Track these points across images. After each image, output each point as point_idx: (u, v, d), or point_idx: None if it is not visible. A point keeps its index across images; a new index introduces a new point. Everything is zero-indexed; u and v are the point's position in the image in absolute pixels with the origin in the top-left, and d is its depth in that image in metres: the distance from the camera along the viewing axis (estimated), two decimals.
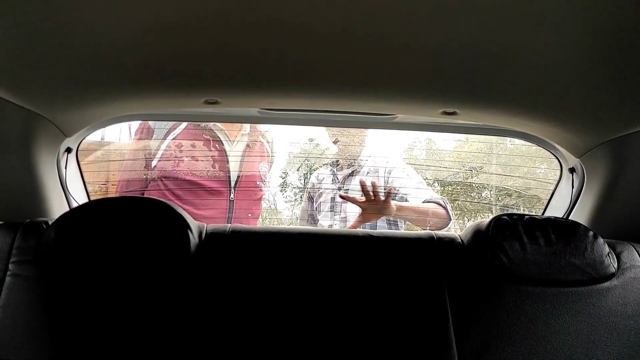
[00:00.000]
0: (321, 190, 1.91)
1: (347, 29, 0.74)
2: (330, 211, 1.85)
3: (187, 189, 1.61)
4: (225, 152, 1.68)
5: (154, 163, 1.63)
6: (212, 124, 1.65)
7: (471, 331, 1.00)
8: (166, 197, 1.58)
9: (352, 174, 1.85)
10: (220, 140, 1.68)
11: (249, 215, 1.71)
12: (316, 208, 1.91)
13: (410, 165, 1.91)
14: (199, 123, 1.65)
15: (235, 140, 1.71)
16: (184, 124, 1.65)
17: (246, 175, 1.70)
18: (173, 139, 1.65)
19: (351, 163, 1.87)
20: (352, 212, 1.77)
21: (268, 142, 1.82)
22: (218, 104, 1.13)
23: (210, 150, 1.67)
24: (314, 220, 1.93)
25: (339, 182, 1.86)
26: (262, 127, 1.79)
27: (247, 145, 1.73)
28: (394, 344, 1.00)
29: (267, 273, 1.05)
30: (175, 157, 1.64)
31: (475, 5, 0.66)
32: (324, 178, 1.93)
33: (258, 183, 1.75)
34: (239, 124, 1.70)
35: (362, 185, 1.59)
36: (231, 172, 1.68)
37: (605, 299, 1.03)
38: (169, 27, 0.75)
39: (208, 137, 1.67)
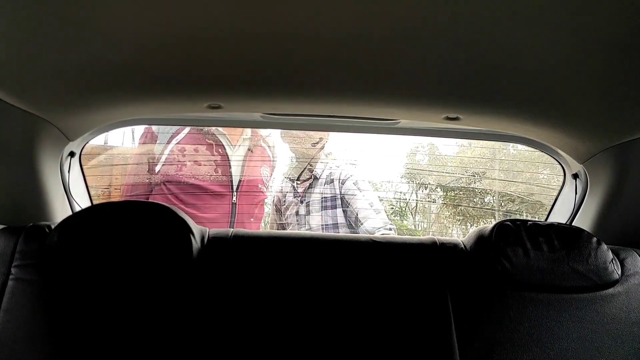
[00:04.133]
0: (287, 204, 1.93)
1: (349, 35, 0.74)
2: (297, 224, 1.87)
3: (190, 192, 1.63)
4: (228, 156, 1.69)
5: (157, 168, 1.65)
6: (214, 128, 1.67)
7: (474, 337, 1.00)
8: (170, 201, 1.60)
9: (310, 186, 1.87)
10: (223, 145, 1.70)
11: (252, 219, 1.72)
12: (285, 219, 1.95)
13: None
14: (201, 128, 1.67)
15: (237, 144, 1.73)
16: (187, 129, 1.67)
17: (248, 179, 1.72)
18: (177, 144, 1.66)
19: (307, 174, 1.89)
20: (316, 224, 1.80)
21: (270, 146, 1.85)
22: (221, 108, 1.13)
23: (213, 155, 1.69)
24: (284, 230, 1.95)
25: (299, 195, 1.88)
26: (264, 132, 1.81)
27: (249, 150, 1.75)
28: (397, 350, 0.99)
29: (270, 277, 1.05)
30: (179, 161, 1.65)
31: (477, 11, 0.66)
32: (287, 191, 1.96)
33: (260, 186, 1.76)
34: (240, 129, 1.71)
35: None
36: (233, 176, 1.70)
37: (608, 306, 1.02)
38: (172, 33, 0.75)
39: (211, 141, 1.69)
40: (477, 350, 0.98)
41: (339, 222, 1.77)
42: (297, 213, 1.88)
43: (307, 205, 1.85)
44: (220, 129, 1.68)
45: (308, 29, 0.73)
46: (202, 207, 1.63)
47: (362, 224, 1.75)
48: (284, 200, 1.96)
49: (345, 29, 0.73)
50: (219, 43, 0.78)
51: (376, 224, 1.74)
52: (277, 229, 1.97)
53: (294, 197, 1.91)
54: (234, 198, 1.69)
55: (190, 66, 0.89)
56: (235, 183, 1.70)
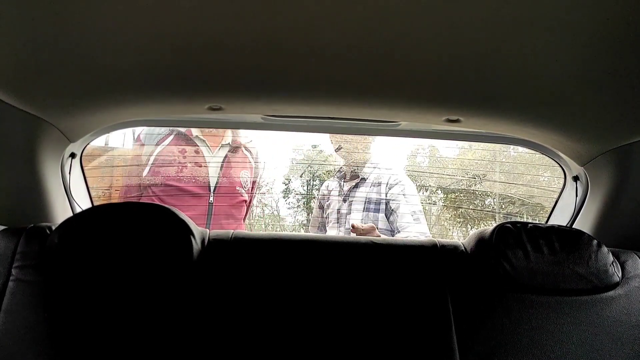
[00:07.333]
0: (330, 201, 1.92)
1: (350, 38, 0.75)
2: (337, 222, 1.86)
3: (172, 194, 1.72)
4: (206, 161, 1.79)
5: (145, 172, 1.75)
6: (195, 135, 1.78)
7: (474, 340, 1.00)
8: (152, 202, 1.68)
9: (356, 186, 1.86)
10: (202, 150, 1.79)
11: (230, 220, 1.80)
12: (326, 217, 1.93)
13: (413, 181, 1.90)
14: (184, 134, 1.77)
15: (216, 149, 1.81)
16: (171, 137, 1.77)
17: (225, 181, 1.81)
18: (162, 149, 1.76)
19: (355, 174, 1.88)
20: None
21: (251, 152, 1.92)
22: (222, 110, 1.13)
23: (193, 159, 1.77)
24: (324, 228, 1.96)
25: (344, 193, 1.87)
26: (244, 139, 1.89)
27: (227, 154, 1.83)
28: (397, 352, 0.99)
29: (270, 279, 1.05)
30: (162, 165, 1.75)
31: (478, 14, 0.66)
32: (332, 189, 1.95)
33: (237, 189, 1.83)
34: (220, 135, 1.81)
35: (353, 227, 1.64)
36: (211, 178, 1.79)
37: (609, 308, 1.02)
38: (173, 35, 0.75)
39: (191, 146, 1.79)
40: (477, 352, 0.98)
41: (379, 226, 1.75)
42: (338, 211, 1.88)
43: (350, 204, 1.84)
44: (200, 135, 1.78)
45: (309, 32, 0.73)
46: (180, 207, 1.70)
47: (399, 232, 1.74)
48: (328, 198, 1.96)
49: (346, 31, 0.73)
50: (220, 45, 0.79)
51: (410, 232, 1.72)
52: (318, 226, 2.00)
53: (338, 195, 1.91)
54: (211, 199, 1.77)
55: (191, 68, 0.89)
56: (212, 185, 1.78)
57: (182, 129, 1.76)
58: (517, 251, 1.04)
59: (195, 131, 1.77)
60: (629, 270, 1.07)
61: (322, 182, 2.44)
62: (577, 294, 1.03)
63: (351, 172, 1.89)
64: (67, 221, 1.02)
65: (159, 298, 1.00)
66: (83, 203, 1.40)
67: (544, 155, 1.44)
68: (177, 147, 1.77)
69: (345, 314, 1.02)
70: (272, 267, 1.06)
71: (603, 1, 0.62)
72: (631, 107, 0.94)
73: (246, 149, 1.89)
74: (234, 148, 1.84)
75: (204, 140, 1.79)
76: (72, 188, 1.32)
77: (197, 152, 1.77)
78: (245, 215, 1.91)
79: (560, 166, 1.43)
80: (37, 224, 1.07)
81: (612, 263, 1.06)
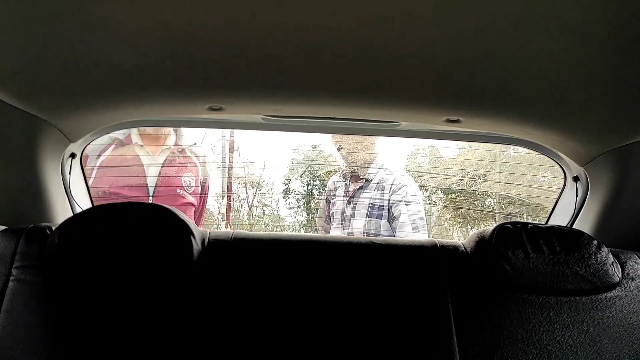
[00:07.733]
0: (335, 199, 1.92)
1: (351, 38, 0.75)
2: (341, 224, 1.85)
3: (112, 201, 1.75)
4: (144, 164, 1.85)
5: (90, 182, 1.79)
6: (134, 142, 1.83)
7: (474, 340, 1.00)
8: None
9: (361, 188, 1.85)
10: (140, 156, 1.85)
11: None
12: (331, 215, 1.93)
13: (416, 183, 1.89)
14: (123, 143, 1.82)
15: (157, 154, 1.87)
16: (112, 146, 1.82)
17: (165, 184, 1.87)
18: (104, 159, 1.82)
19: (355, 174, 1.88)
20: (359, 229, 1.78)
21: (196, 154, 1.97)
22: (222, 110, 1.13)
23: (133, 165, 1.83)
24: (330, 221, 1.96)
25: (349, 194, 1.87)
26: (188, 141, 1.95)
27: (167, 158, 1.89)
28: (397, 352, 0.99)
29: (270, 280, 1.05)
30: (104, 175, 1.81)
31: (478, 14, 0.66)
32: (339, 187, 1.94)
33: (178, 191, 1.87)
34: (162, 139, 1.87)
35: None
36: (149, 180, 1.85)
37: (609, 309, 1.02)
38: (173, 35, 0.75)
39: (131, 153, 1.84)
40: (477, 353, 0.98)
41: (382, 233, 1.75)
42: (342, 212, 1.88)
43: (354, 207, 1.84)
44: (139, 141, 1.84)
45: (309, 32, 0.73)
46: None
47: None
48: (334, 195, 1.96)
49: (347, 32, 0.73)
50: (221, 45, 0.79)
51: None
52: (324, 218, 2.01)
53: (344, 196, 1.91)
54: (150, 201, 1.82)
55: (192, 68, 0.89)
56: (151, 188, 1.83)
57: (121, 137, 1.81)
58: (517, 251, 1.04)
59: (135, 138, 1.82)
60: (629, 270, 1.07)
61: (322, 182, 2.45)
62: (577, 294, 1.03)
63: (351, 172, 1.88)
64: (67, 221, 1.02)
65: (159, 298, 1.00)
66: (83, 203, 1.40)
67: (544, 156, 1.44)
68: (117, 155, 1.82)
69: (346, 314, 1.02)
70: (272, 267, 1.06)
71: (603, 1, 0.62)
72: (631, 107, 0.94)
73: (190, 151, 1.93)
74: (176, 151, 1.89)
75: (142, 146, 1.84)
76: (72, 188, 1.32)
77: (136, 158, 1.83)
78: (199, 215, 1.96)
79: (560, 166, 1.43)
80: (37, 224, 1.06)
81: (612, 263, 1.05)
